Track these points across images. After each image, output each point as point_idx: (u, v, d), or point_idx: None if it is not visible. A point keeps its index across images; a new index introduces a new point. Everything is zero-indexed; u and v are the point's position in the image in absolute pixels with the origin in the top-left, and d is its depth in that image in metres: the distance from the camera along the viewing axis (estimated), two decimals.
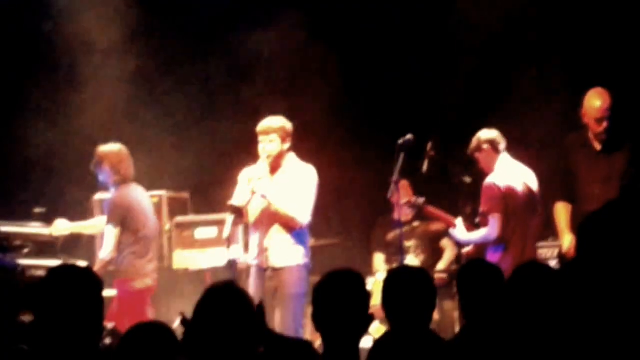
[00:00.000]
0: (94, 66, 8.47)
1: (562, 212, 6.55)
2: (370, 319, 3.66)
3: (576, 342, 3.63)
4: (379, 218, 8.13)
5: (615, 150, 6.38)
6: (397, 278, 3.89)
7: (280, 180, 6.34)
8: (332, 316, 3.57)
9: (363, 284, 3.71)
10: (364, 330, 3.67)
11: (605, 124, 6.34)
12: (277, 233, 6.28)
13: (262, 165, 6.27)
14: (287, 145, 6.34)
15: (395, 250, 7.53)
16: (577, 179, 6.47)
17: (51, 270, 3.47)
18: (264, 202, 6.25)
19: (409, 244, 7.83)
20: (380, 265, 7.96)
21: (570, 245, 6.40)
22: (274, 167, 6.32)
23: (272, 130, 6.29)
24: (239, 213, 6.17)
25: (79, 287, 3.35)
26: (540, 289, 3.82)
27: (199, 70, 8.83)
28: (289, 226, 6.27)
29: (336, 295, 3.60)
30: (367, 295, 3.69)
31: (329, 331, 3.59)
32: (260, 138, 6.31)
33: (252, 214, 6.31)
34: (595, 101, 6.36)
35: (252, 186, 6.20)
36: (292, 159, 6.41)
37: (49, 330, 3.29)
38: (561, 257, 6.53)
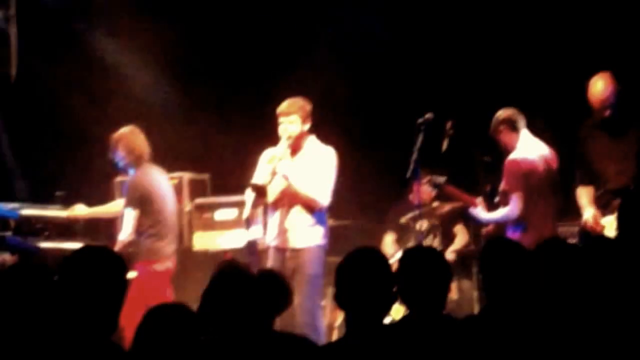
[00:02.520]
0: (119, 50, 8.51)
1: (583, 193, 6.46)
2: (394, 297, 3.66)
3: (601, 320, 3.62)
4: (394, 200, 8.11)
5: (623, 134, 6.30)
6: (411, 258, 3.88)
7: (300, 162, 6.34)
8: (357, 295, 3.56)
9: (387, 263, 3.71)
10: (388, 309, 3.67)
11: (608, 112, 6.25)
12: (297, 214, 6.29)
13: (282, 146, 6.27)
14: (307, 126, 6.35)
15: (410, 231, 7.53)
16: (595, 161, 6.39)
17: (76, 252, 3.47)
18: (285, 182, 6.25)
19: (425, 226, 7.81)
20: (388, 245, 7.95)
21: (590, 216, 6.33)
22: (295, 148, 6.33)
23: (293, 111, 6.30)
24: (261, 192, 6.17)
25: (104, 268, 3.36)
26: (563, 265, 3.81)
27: (222, 53, 8.84)
28: (310, 207, 6.29)
29: (360, 274, 3.59)
30: (391, 274, 3.68)
31: (353, 310, 3.58)
32: (281, 119, 6.32)
33: (273, 194, 6.31)
34: (597, 87, 6.25)
35: (273, 166, 6.21)
36: (312, 140, 6.42)
37: (71, 311, 3.31)
38: (581, 230, 6.43)
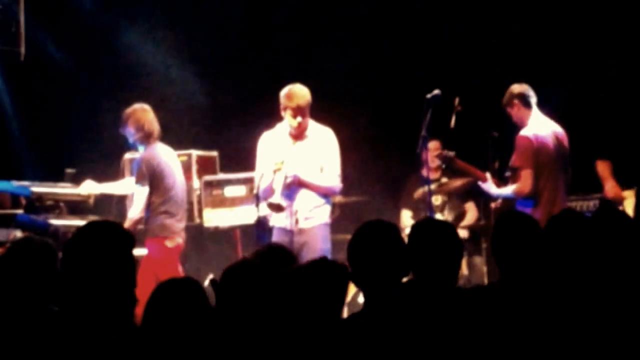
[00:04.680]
0: (131, 29, 8.52)
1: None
2: (408, 268, 3.66)
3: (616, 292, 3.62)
4: (411, 175, 8.12)
5: None
6: (422, 230, 3.87)
7: (305, 147, 6.39)
8: (370, 267, 3.58)
9: (397, 233, 3.71)
10: (400, 280, 3.68)
11: None
12: (308, 197, 6.35)
13: (286, 144, 6.31)
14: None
15: (424, 207, 7.54)
16: None
17: (82, 228, 3.49)
18: (299, 179, 6.28)
19: (437, 201, 7.82)
20: (407, 221, 7.97)
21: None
22: (297, 134, 6.37)
23: (305, 106, 6.31)
24: (279, 209, 6.22)
25: (111, 243, 3.38)
26: (577, 237, 3.81)
27: (230, 31, 8.84)
28: (324, 193, 6.39)
29: (372, 246, 3.60)
30: (402, 244, 3.69)
31: (368, 283, 3.60)
32: (292, 111, 6.31)
33: (281, 184, 6.34)
34: None
35: (283, 174, 6.23)
36: (311, 123, 6.46)
37: (80, 287, 3.33)
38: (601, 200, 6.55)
